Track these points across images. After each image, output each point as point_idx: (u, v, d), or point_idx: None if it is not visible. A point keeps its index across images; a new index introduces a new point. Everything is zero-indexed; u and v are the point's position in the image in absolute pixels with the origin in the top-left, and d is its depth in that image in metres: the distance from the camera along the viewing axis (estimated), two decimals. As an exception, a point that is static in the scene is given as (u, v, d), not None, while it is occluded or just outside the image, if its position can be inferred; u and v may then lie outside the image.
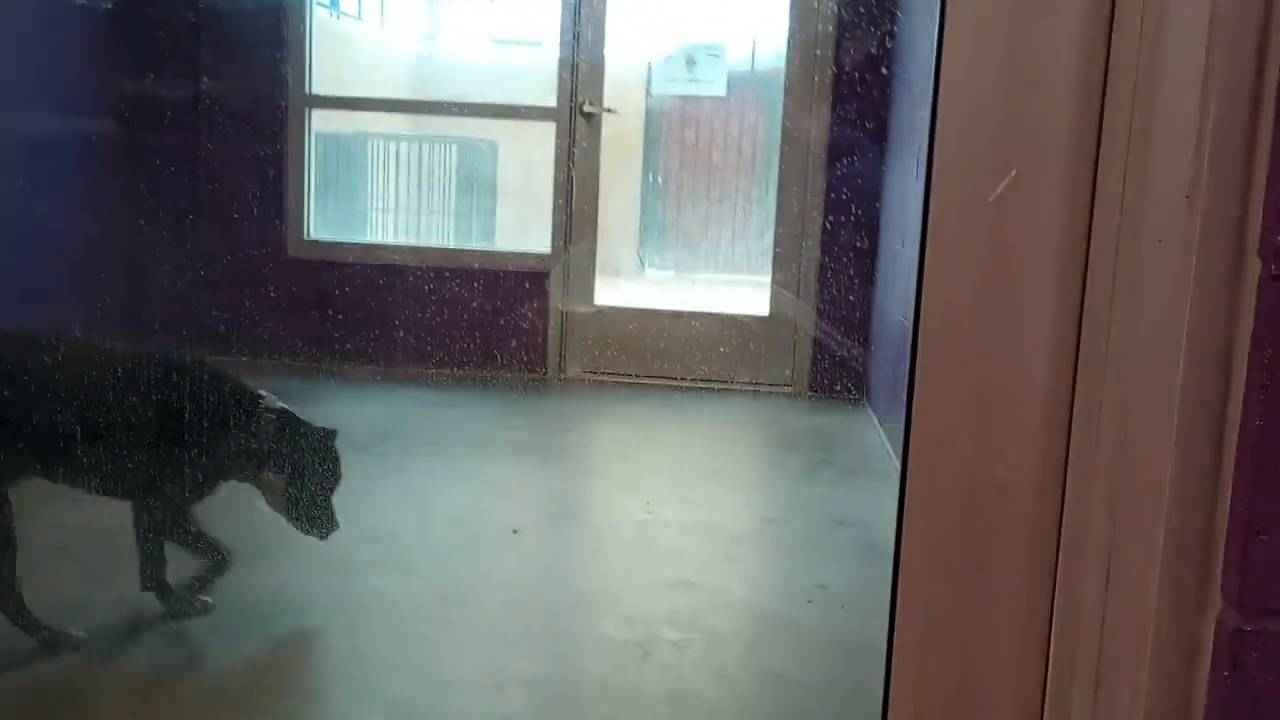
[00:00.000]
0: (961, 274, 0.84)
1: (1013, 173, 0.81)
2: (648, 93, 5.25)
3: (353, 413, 3.57)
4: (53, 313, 3.69)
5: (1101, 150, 0.81)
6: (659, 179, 5.78)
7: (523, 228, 5.20)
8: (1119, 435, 0.81)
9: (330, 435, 2.18)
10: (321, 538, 2.15)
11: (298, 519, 2.15)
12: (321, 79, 4.47)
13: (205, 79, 4.21)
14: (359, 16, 6.61)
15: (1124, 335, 0.80)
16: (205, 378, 2.11)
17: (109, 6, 3.95)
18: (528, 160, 5.33)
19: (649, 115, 5.37)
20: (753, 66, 5.05)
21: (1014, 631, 0.85)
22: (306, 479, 2.13)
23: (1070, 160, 0.81)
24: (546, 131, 4.47)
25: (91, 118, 4.07)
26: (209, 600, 2.15)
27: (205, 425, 2.07)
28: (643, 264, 5.67)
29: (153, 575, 2.11)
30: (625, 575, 2.46)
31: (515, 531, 2.54)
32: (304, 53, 4.34)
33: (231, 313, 4.05)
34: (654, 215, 5.89)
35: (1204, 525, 0.76)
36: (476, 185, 5.80)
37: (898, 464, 2.94)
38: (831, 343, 4.23)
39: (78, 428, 1.97)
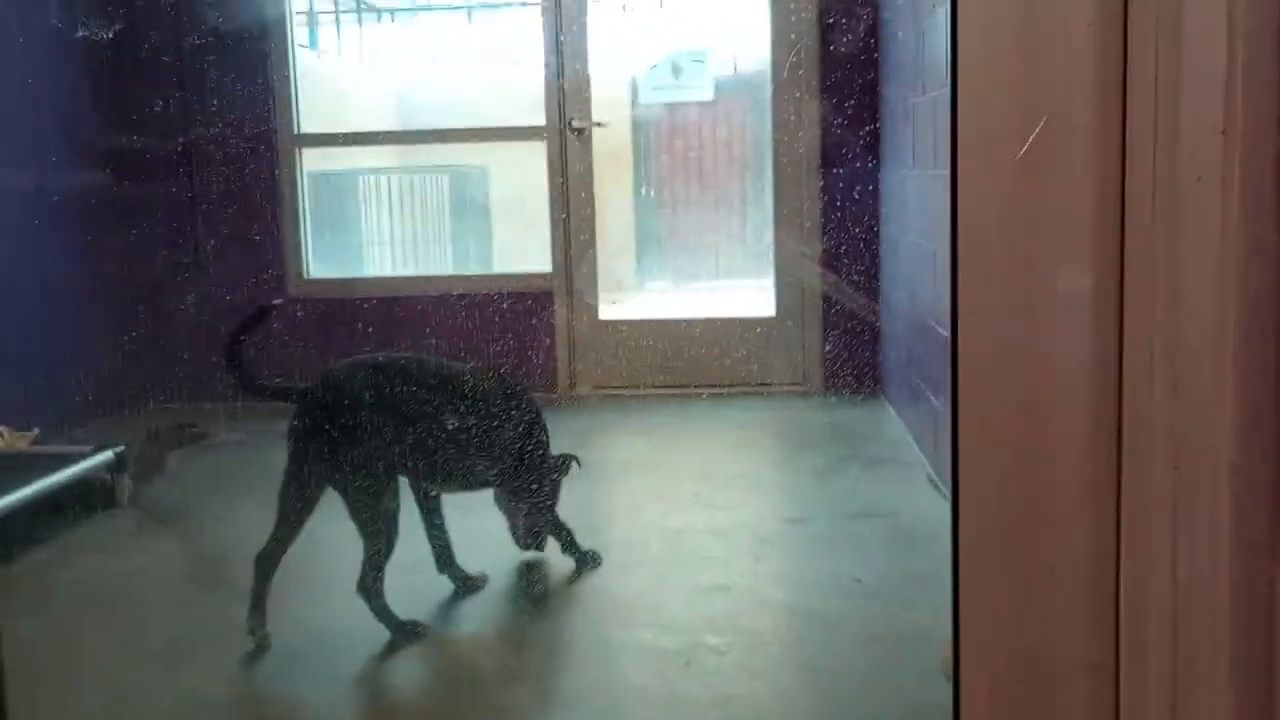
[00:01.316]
0: (996, 233, 0.83)
1: (1042, 121, 0.79)
2: (634, 104, 5.25)
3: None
4: (51, 371, 3.68)
5: (1129, 90, 0.80)
6: (651, 191, 5.78)
7: (520, 249, 5.19)
8: (1172, 381, 0.79)
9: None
10: (541, 549, 2.49)
11: (537, 533, 2.46)
12: (308, 117, 4.47)
13: (193, 125, 4.21)
14: (338, 53, 6.61)
15: (1169, 277, 0.79)
16: (520, 389, 2.45)
17: (106, 37, 3.94)
18: (519, 182, 5.32)
19: (637, 126, 5.37)
20: (735, 69, 5.05)
21: (1081, 589, 0.84)
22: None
23: (1098, 103, 0.80)
24: (536, 151, 4.47)
25: (81, 169, 4.07)
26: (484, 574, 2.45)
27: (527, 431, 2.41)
28: (639, 276, 5.67)
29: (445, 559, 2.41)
30: (659, 583, 2.44)
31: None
32: (290, 92, 4.34)
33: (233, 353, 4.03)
34: (649, 227, 5.88)
35: (1270, 465, 0.74)
36: (470, 211, 5.80)
37: (919, 453, 2.94)
38: (843, 334, 4.22)
39: (442, 436, 2.27)
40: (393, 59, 6.50)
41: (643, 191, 5.78)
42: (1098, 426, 0.83)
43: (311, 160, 4.57)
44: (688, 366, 4.28)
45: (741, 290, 4.95)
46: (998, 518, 0.84)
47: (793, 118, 4.23)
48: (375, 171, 5.82)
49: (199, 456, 3.53)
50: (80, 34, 3.96)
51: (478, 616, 2.36)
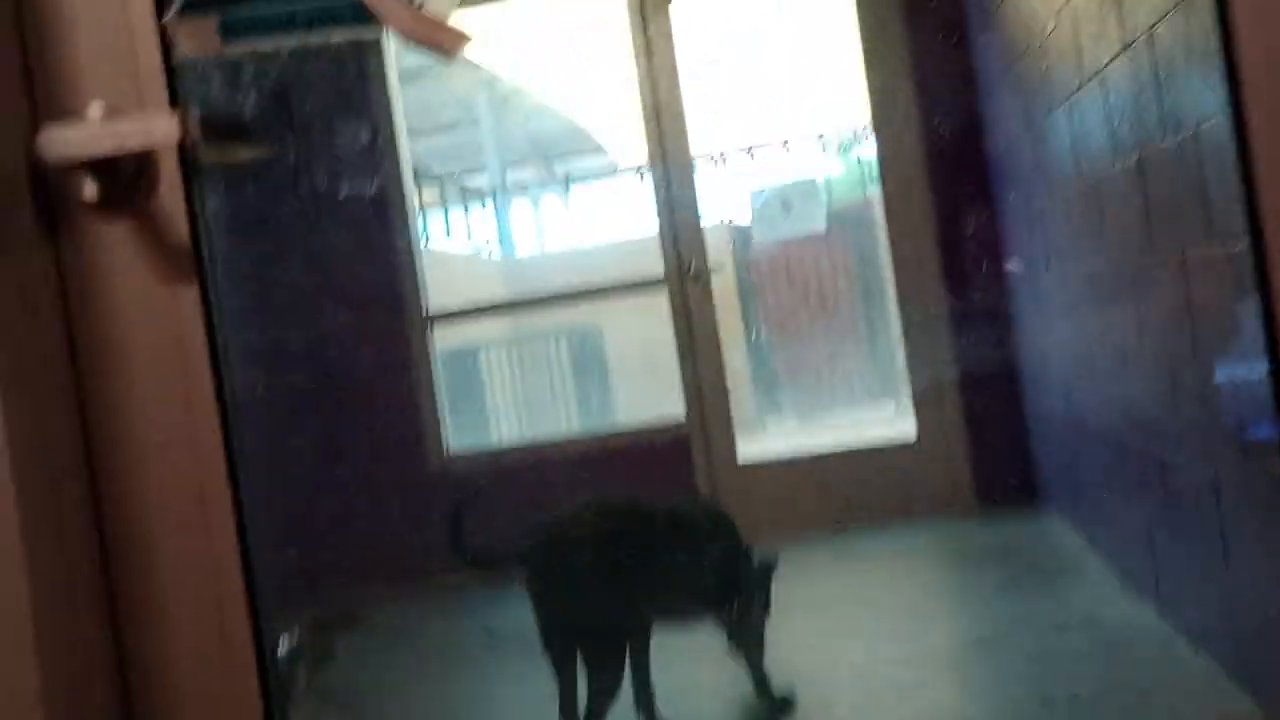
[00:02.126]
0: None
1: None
2: (737, 246, 5.31)
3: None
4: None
5: None
6: (760, 332, 5.78)
7: (643, 400, 5.22)
8: None
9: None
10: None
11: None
12: (434, 297, 4.62)
13: (329, 319, 4.37)
14: (447, 234, 6.85)
15: None
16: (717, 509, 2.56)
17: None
18: (633, 335, 5.38)
19: (745, 266, 5.42)
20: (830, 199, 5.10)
21: None
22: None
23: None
24: (652, 303, 4.53)
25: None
26: None
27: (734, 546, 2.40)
28: (760, 414, 5.62)
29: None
30: (863, 717, 2.34)
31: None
32: (418, 277, 4.49)
33: (388, 535, 4.08)
34: (764, 365, 5.86)
35: None
36: (591, 369, 5.87)
37: (1100, 560, 2.77)
38: (990, 450, 4.10)
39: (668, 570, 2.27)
40: (503, 234, 6.71)
41: (754, 333, 5.79)
42: None
43: (440, 338, 4.70)
44: (833, 502, 4.19)
45: (872, 416, 4.88)
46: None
47: (907, 231, 4.23)
48: (495, 344, 5.94)
49: (364, 639, 3.53)
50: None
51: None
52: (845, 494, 4.21)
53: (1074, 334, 3.19)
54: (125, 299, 1.14)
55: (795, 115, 5.06)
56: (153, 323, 1.14)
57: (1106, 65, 2.44)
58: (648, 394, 4.87)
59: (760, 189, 4.64)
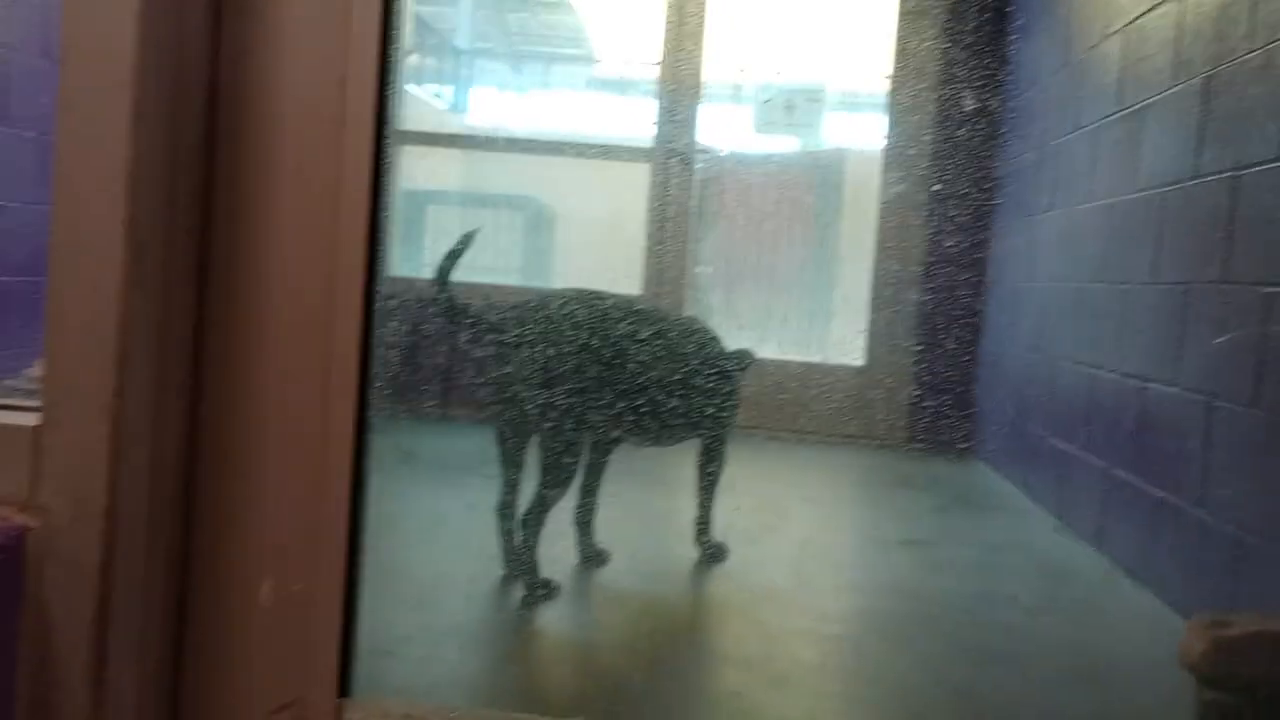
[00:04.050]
0: None
1: None
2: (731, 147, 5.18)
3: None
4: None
5: None
6: (730, 231, 5.69)
7: (600, 272, 5.11)
8: None
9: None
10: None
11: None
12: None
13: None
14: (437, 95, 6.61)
15: None
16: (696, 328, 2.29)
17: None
18: (597, 206, 5.25)
19: (739, 160, 5.29)
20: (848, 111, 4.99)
21: None
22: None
23: None
24: (623, 174, 4.44)
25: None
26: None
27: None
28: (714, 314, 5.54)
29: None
30: (803, 581, 2.29)
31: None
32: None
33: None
34: (728, 265, 5.78)
35: None
36: (545, 234, 5.74)
37: (1029, 501, 2.77)
38: (935, 389, 4.10)
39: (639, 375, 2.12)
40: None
41: (722, 228, 5.69)
42: None
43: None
44: (779, 407, 4.14)
45: (831, 338, 4.83)
46: None
47: (903, 163, 4.18)
48: (448, 197, 5.78)
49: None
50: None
51: (609, 587, 2.21)
52: (789, 402, 4.17)
53: (1051, 276, 3.17)
54: None
55: (815, 60, 4.93)
56: None
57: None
58: (606, 267, 4.75)
59: (766, 84, 4.52)
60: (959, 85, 4.07)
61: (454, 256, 2.09)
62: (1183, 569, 2.14)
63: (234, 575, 1.07)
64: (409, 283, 4.29)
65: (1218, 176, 2.15)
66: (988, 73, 3.98)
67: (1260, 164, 2.00)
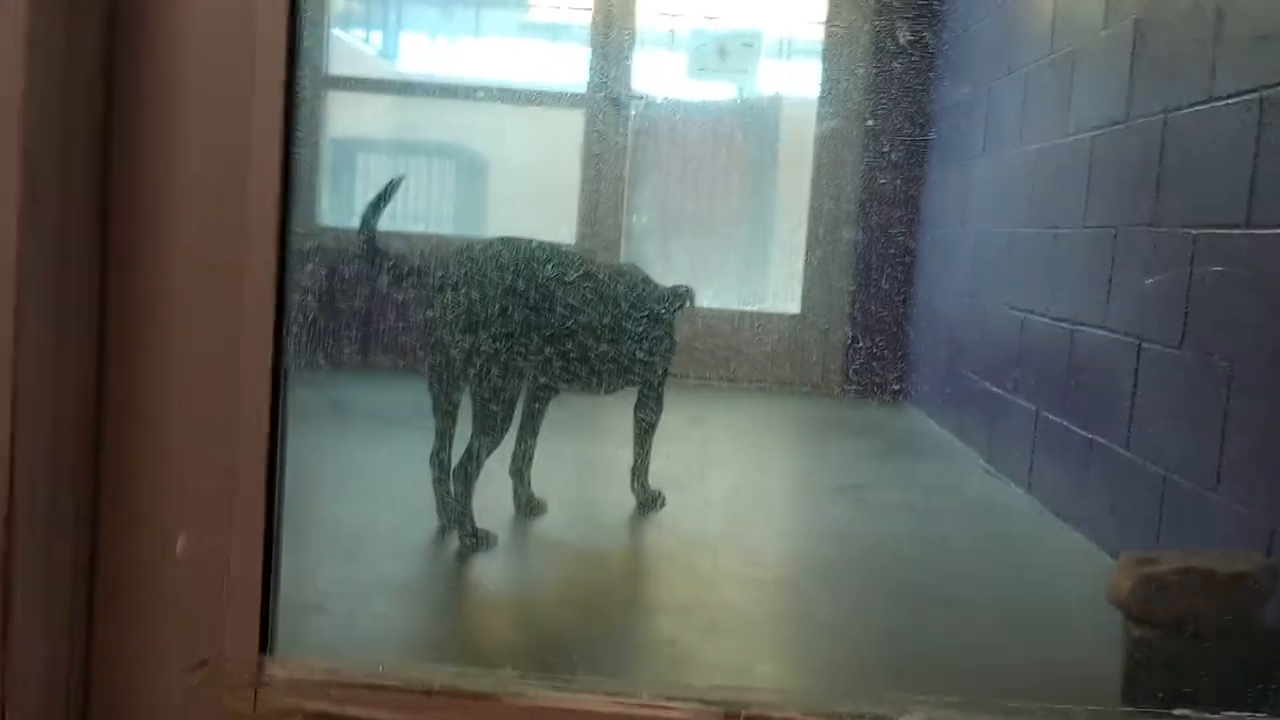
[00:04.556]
0: None
1: None
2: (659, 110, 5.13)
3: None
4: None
5: None
6: (664, 179, 5.65)
7: (531, 220, 5.05)
8: None
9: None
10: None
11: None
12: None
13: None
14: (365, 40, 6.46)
15: None
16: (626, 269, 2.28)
17: None
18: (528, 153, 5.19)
19: (672, 107, 5.23)
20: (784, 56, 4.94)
21: None
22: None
23: None
24: (557, 120, 4.37)
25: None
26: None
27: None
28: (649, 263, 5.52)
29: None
30: (739, 527, 2.29)
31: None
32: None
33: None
34: (663, 214, 5.74)
35: None
36: (475, 181, 5.67)
37: (961, 444, 2.80)
38: (868, 336, 4.11)
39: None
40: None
41: (657, 176, 5.65)
42: None
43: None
44: (716, 354, 4.13)
45: (771, 283, 4.83)
46: None
47: (837, 110, 4.15)
48: (378, 145, 5.68)
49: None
50: None
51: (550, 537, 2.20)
52: (724, 348, 4.16)
53: (991, 219, 3.18)
54: None
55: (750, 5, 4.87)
56: None
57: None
58: (540, 216, 4.69)
59: (700, 29, 4.46)
60: (894, 15, 4.03)
61: (379, 203, 2.03)
62: (1111, 509, 2.17)
63: (147, 529, 1.03)
64: (336, 233, 4.20)
65: (1147, 119, 2.16)
66: (924, 3, 3.94)
67: (1189, 106, 2.01)
